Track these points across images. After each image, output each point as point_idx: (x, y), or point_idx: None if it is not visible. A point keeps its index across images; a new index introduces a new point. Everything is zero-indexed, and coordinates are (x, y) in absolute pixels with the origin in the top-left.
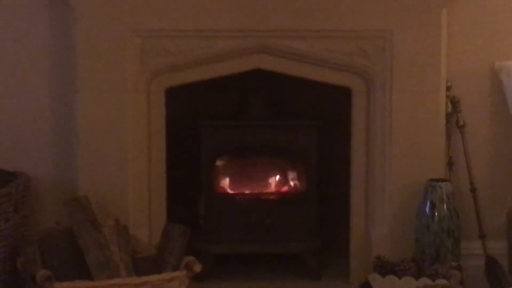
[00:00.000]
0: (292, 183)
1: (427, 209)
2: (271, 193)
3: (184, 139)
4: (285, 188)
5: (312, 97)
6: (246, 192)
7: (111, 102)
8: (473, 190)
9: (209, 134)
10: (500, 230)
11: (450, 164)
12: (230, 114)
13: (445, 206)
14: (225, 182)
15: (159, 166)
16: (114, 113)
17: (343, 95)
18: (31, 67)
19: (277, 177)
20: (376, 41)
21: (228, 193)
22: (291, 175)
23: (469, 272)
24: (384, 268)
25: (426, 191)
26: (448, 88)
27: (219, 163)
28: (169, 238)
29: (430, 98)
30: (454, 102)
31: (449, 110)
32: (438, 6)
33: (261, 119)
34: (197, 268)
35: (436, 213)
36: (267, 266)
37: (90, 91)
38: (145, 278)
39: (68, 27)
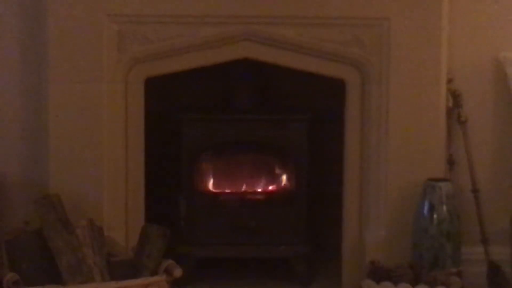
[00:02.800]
0: (280, 182)
1: (425, 211)
2: (258, 193)
3: (164, 134)
4: (272, 188)
5: (303, 90)
6: (231, 191)
7: (86, 93)
8: (475, 190)
9: (191, 128)
10: (504, 234)
11: (450, 162)
12: (214, 106)
13: (444, 208)
14: (208, 181)
15: (137, 163)
16: (88, 105)
17: (337, 87)
18: None
19: (264, 175)
20: (372, 29)
21: (211, 192)
22: (279, 173)
23: (470, 279)
24: (378, 274)
25: (425, 192)
26: (449, 81)
27: (201, 159)
28: (147, 240)
29: (429, 91)
30: (455, 96)
31: (450, 104)
32: None
33: (248, 112)
34: (177, 272)
35: (435, 215)
36: (253, 271)
37: (62, 81)
38: (121, 283)
39: (39, 12)
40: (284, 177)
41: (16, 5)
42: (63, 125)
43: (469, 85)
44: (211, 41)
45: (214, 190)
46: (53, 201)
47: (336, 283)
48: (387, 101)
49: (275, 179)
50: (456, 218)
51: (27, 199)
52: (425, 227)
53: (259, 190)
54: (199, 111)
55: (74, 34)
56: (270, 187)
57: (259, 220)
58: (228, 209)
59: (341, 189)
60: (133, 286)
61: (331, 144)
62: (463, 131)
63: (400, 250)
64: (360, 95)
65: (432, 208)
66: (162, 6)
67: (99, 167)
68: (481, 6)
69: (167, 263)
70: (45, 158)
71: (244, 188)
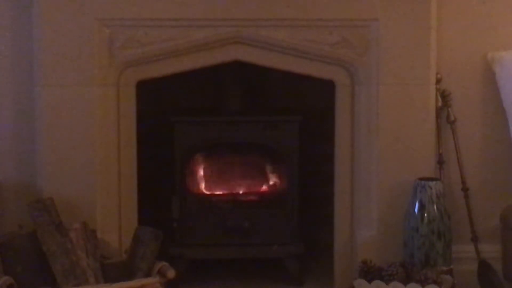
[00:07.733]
0: (272, 183)
1: (416, 210)
2: (250, 194)
3: (157, 136)
4: (264, 189)
5: (293, 91)
6: (223, 192)
7: (77, 97)
8: (465, 189)
9: (183, 130)
10: (494, 232)
11: (440, 162)
12: (206, 109)
13: (435, 207)
14: (200, 182)
15: (130, 166)
16: (80, 109)
17: (326, 88)
18: None
19: (256, 176)
20: (361, 31)
21: (203, 194)
22: (271, 174)
23: (461, 277)
24: (370, 273)
25: (415, 191)
26: (438, 81)
27: (193, 161)
28: (140, 243)
29: (419, 91)
30: (444, 96)
31: (439, 104)
32: None
33: (239, 114)
34: (171, 274)
35: (425, 214)
36: (246, 272)
37: (54, 85)
38: (115, 285)
39: (30, 16)
40: (275, 178)
41: (7, 9)
42: (55, 128)
43: (458, 85)
44: (202, 44)
45: (207, 192)
46: (47, 205)
47: (328, 282)
48: (376, 102)
49: (267, 180)
50: (446, 216)
51: (20, 202)
52: (415, 226)
53: (251, 191)
54: (191, 113)
55: (66, 38)
56: (262, 188)
57: (251, 220)
58: (220, 210)
59: (332, 189)
60: None
61: (322, 145)
62: (452, 131)
63: (391, 249)
64: (349, 96)
65: (422, 207)
66: (153, 9)
67: (92, 170)
68: (469, 6)
69: (160, 264)
70: (38, 162)
71: (236, 189)
